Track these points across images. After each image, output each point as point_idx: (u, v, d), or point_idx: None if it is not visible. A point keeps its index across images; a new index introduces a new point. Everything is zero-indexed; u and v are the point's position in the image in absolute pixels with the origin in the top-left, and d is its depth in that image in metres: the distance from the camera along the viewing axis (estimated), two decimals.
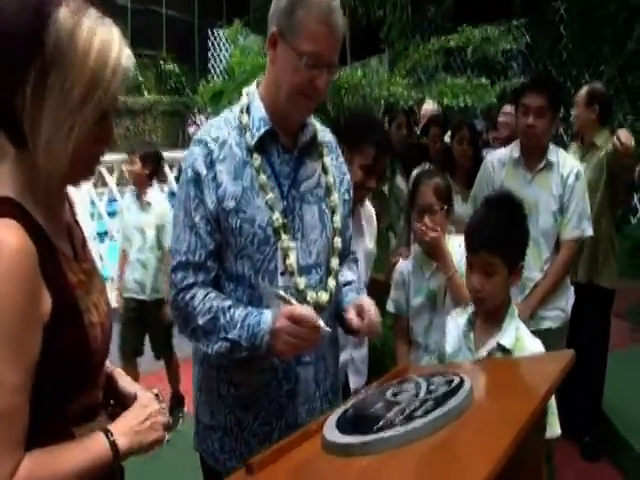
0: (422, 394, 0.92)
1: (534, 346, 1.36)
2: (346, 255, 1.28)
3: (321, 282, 1.15)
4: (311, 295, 1.11)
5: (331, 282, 1.17)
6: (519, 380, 1.05)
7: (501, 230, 1.36)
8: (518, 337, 1.37)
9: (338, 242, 1.18)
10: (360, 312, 1.12)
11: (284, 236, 1.08)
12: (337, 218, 1.17)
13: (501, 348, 1.36)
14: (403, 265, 1.92)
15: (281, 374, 1.13)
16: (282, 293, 1.05)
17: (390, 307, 1.91)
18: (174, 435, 2.14)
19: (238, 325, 1.02)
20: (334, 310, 1.21)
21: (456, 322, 1.46)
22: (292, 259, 1.08)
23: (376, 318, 1.12)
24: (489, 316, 1.40)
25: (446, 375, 0.99)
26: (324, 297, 1.16)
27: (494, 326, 1.39)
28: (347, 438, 0.81)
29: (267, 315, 1.05)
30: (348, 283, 1.28)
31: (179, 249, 1.09)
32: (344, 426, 0.86)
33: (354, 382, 1.79)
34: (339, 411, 0.94)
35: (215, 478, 1.16)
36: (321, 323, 1.00)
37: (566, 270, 2.16)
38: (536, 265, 2.08)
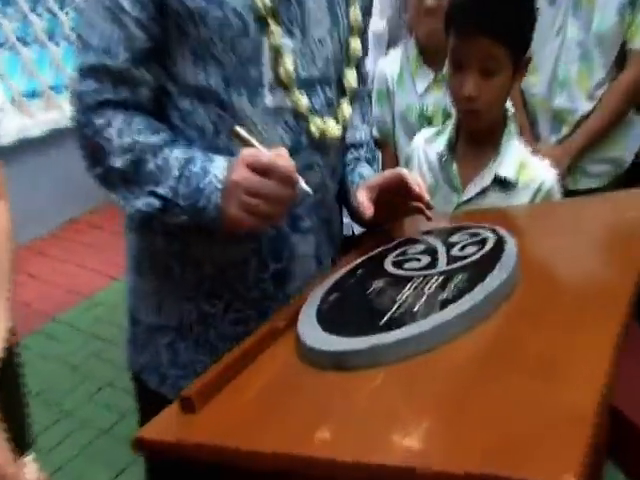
0: (441, 263, 0.63)
1: (546, 175, 1.06)
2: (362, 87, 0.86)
3: (330, 106, 0.76)
4: (315, 123, 0.73)
5: (345, 107, 0.77)
6: (582, 235, 0.69)
7: (505, 4, 0.92)
8: (522, 163, 1.02)
9: (357, 45, 0.78)
10: (375, 191, 0.76)
11: (273, 27, 0.68)
12: (355, 10, 0.76)
13: (500, 182, 1.05)
14: (386, 64, 1.41)
15: (267, 247, 0.76)
16: (242, 131, 0.66)
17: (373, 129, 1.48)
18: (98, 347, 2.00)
19: (174, 173, 0.67)
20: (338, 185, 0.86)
21: (426, 148, 1.13)
22: (288, 65, 0.69)
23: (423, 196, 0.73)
24: (480, 138, 1.04)
25: (469, 229, 0.70)
26: (333, 127, 0.75)
27: (487, 152, 1.05)
28: (338, 341, 0.51)
29: (219, 162, 0.68)
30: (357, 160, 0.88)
31: (90, 43, 0.67)
32: (329, 320, 0.58)
33: None
34: (316, 295, 0.64)
35: (158, 407, 0.69)
36: (300, 179, 0.66)
37: (631, 98, 1.39)
38: (582, 89, 1.39)
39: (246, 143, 0.66)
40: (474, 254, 0.62)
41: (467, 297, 0.52)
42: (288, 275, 0.78)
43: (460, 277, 0.57)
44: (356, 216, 0.81)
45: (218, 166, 0.67)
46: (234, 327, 0.79)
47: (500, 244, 0.62)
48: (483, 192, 1.07)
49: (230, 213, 0.64)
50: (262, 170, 0.63)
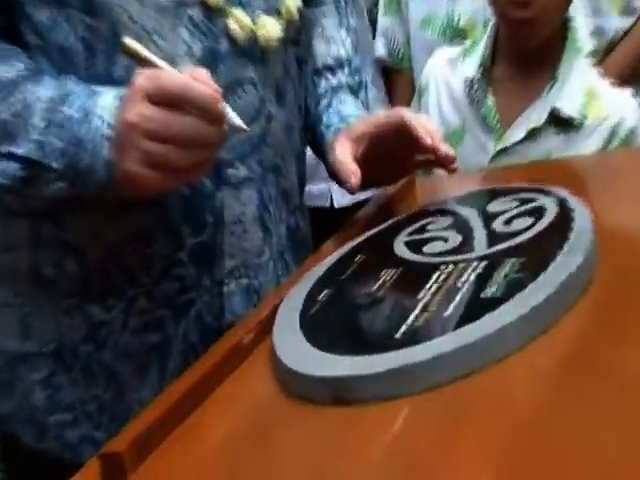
0: (480, 243, 0.54)
1: (626, 110, 0.93)
2: None
3: None
4: (237, 18, 0.62)
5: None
6: None
7: None
8: (591, 93, 0.93)
9: None
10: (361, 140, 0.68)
11: None
12: None
13: (558, 120, 0.95)
14: None
15: (179, 211, 0.64)
16: (136, 44, 0.54)
17: (380, 49, 1.34)
18: None
19: (37, 122, 0.56)
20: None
21: (448, 75, 1.02)
22: None
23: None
24: (530, 59, 0.94)
25: (516, 192, 0.62)
26: (268, 24, 0.63)
27: (539, 78, 0.95)
28: (335, 362, 0.44)
29: (106, 97, 0.56)
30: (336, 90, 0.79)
31: None
32: (320, 331, 0.49)
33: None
34: (298, 294, 0.56)
35: (39, 473, 0.66)
36: (228, 109, 0.55)
37: None
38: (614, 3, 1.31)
39: (143, 61, 0.54)
40: (527, 230, 0.53)
41: (524, 294, 0.43)
42: (215, 251, 0.66)
43: (510, 264, 0.48)
44: (336, 178, 0.69)
45: (105, 103, 0.55)
46: (140, 337, 0.66)
47: (565, 215, 0.53)
48: (533, 135, 0.97)
49: (127, 170, 0.53)
50: (170, 101, 0.52)
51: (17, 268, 0.66)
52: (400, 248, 0.58)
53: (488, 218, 0.58)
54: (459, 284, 0.48)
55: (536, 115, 0.95)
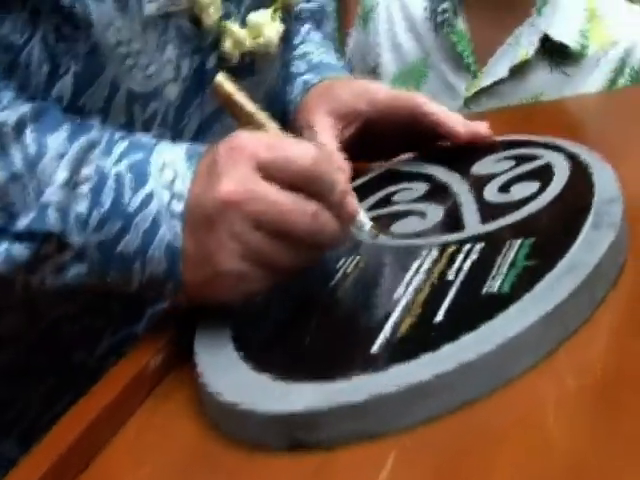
0: (470, 219, 0.52)
1: (635, 31, 0.94)
2: None
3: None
4: (232, 34, 0.63)
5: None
6: None
7: None
8: (593, 14, 0.93)
9: None
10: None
11: None
12: None
13: (551, 49, 0.94)
14: None
15: None
16: (227, 83, 0.54)
17: None
18: None
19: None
20: None
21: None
22: None
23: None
24: None
25: (510, 147, 0.61)
26: (270, 32, 0.65)
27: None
28: (290, 392, 0.41)
29: (177, 152, 0.53)
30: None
31: None
32: (263, 345, 0.47)
33: None
34: None
35: None
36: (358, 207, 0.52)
37: None
38: None
39: (232, 108, 0.52)
40: (533, 198, 0.51)
41: (541, 289, 0.41)
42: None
43: (516, 247, 0.46)
44: None
45: (172, 159, 0.51)
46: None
47: (581, 176, 0.52)
48: (519, 71, 0.95)
49: (219, 267, 0.48)
50: (292, 184, 0.48)
51: None
52: (362, 227, 0.55)
53: (476, 183, 0.56)
54: (449, 276, 0.46)
55: (523, 45, 0.93)
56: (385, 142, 0.68)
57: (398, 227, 0.54)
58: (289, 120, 0.70)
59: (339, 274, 0.51)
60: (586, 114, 0.77)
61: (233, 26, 0.62)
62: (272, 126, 0.52)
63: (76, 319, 0.64)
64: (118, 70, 0.56)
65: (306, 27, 0.77)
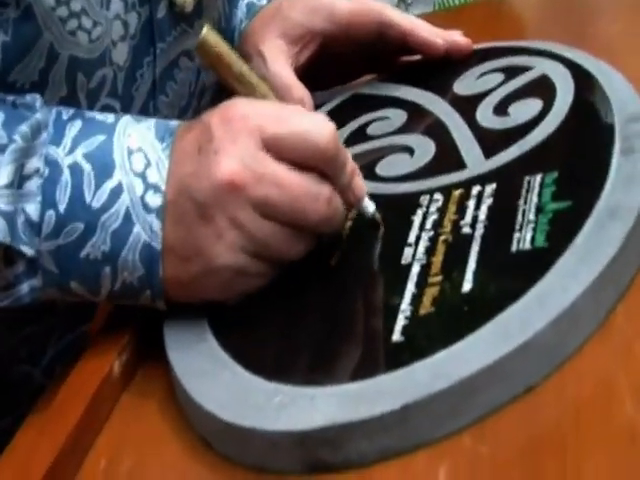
0: (472, 154, 0.45)
1: None
2: None
3: None
4: None
5: None
6: None
7: None
8: None
9: None
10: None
11: None
12: None
13: None
14: None
15: None
16: (213, 36, 0.44)
17: None
18: None
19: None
20: None
21: None
22: None
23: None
24: None
25: (491, 56, 0.54)
26: None
27: None
28: (304, 399, 0.34)
29: (144, 132, 0.44)
30: None
31: None
32: (254, 338, 0.40)
33: None
34: None
35: None
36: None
37: None
38: None
39: (220, 66, 0.43)
40: (541, 120, 0.44)
41: (583, 239, 0.35)
42: None
43: (538, 186, 0.39)
44: None
45: (141, 142, 0.42)
46: None
47: (590, 88, 0.45)
48: None
49: (213, 263, 0.41)
50: (302, 161, 0.41)
51: None
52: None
53: (464, 106, 0.49)
54: (465, 228, 0.39)
55: None
56: (346, 63, 0.60)
57: (383, 168, 0.47)
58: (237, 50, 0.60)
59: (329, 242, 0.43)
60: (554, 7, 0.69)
61: None
62: (268, 91, 0.44)
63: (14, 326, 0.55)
64: (57, 36, 0.46)
65: None
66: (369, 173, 0.47)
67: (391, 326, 0.35)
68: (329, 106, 0.57)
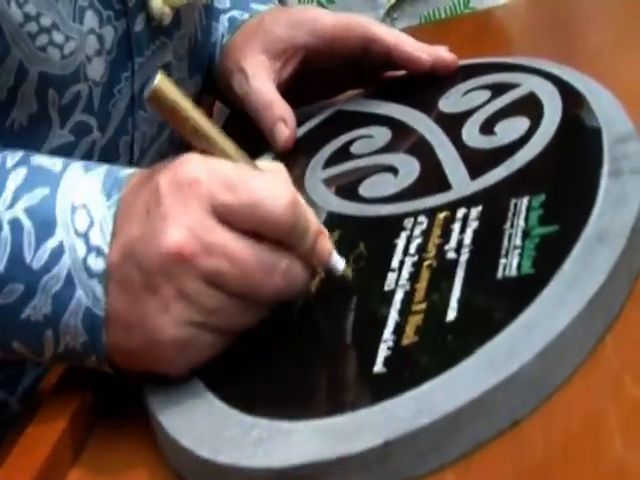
0: (457, 176, 0.44)
1: None
2: None
3: None
4: None
5: None
6: None
7: None
8: None
9: None
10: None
11: None
12: None
13: None
14: None
15: None
16: (167, 85, 0.39)
17: None
18: None
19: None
20: None
21: None
22: None
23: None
24: None
25: (472, 74, 0.53)
26: None
27: None
28: (285, 433, 0.32)
29: (90, 186, 0.40)
30: None
31: None
32: (232, 368, 0.38)
33: None
34: None
35: None
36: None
37: None
38: None
39: (171, 115, 0.38)
40: (528, 139, 0.43)
41: (570, 265, 0.34)
42: None
43: (525, 209, 0.39)
44: (250, 113, 0.59)
45: (86, 197, 0.39)
46: None
47: (577, 106, 0.44)
48: None
49: (155, 335, 0.37)
50: (256, 231, 0.38)
51: None
52: (318, 191, 0.47)
53: (449, 124, 0.48)
54: (450, 253, 0.38)
55: None
56: (330, 78, 0.59)
57: (366, 189, 0.46)
58: (215, 65, 0.59)
59: None
60: (552, 21, 0.68)
61: None
62: (228, 146, 0.40)
63: None
64: (27, 52, 0.44)
65: None
66: (352, 194, 0.46)
67: (373, 357, 0.34)
68: (313, 122, 0.56)
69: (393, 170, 0.46)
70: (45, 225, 0.38)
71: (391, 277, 0.38)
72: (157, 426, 0.36)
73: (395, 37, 0.55)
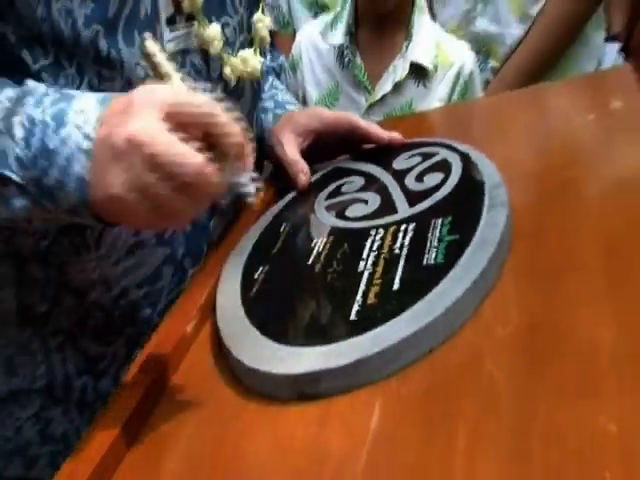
0: (401, 203, 0.42)
1: (464, 57, 0.84)
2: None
3: (242, 32, 0.50)
4: (231, 63, 0.47)
5: (262, 26, 0.51)
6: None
7: None
8: (438, 45, 0.83)
9: None
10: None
11: None
12: None
13: (415, 70, 0.83)
14: None
15: (182, 242, 0.48)
16: (155, 47, 0.35)
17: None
18: None
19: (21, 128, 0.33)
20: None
21: (318, 44, 0.88)
22: None
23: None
24: (387, 20, 0.82)
25: (412, 147, 0.49)
26: (254, 61, 0.48)
27: (396, 37, 0.83)
28: (296, 356, 0.31)
29: (86, 101, 0.34)
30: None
31: None
32: (267, 316, 0.35)
33: None
34: (232, 271, 0.41)
35: None
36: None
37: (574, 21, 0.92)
38: (513, 11, 0.93)
39: (155, 68, 0.35)
40: (441, 186, 0.41)
41: (467, 258, 0.33)
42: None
43: (440, 225, 0.37)
44: (282, 171, 0.55)
45: (84, 107, 0.34)
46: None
47: (470, 166, 0.42)
48: (397, 87, 0.83)
49: (111, 193, 0.32)
50: (191, 123, 0.32)
51: (2, 308, 0.46)
52: (323, 214, 0.45)
53: (398, 175, 0.46)
54: (396, 250, 0.36)
55: (399, 69, 0.84)
56: (330, 148, 0.56)
57: (350, 212, 0.44)
58: (266, 142, 0.57)
59: (314, 254, 0.40)
60: (457, 119, 0.67)
61: (230, 57, 0.48)
62: (180, 83, 0.35)
63: (137, 286, 0.46)
64: None
65: (270, 78, 0.64)
66: (342, 215, 0.44)
67: (350, 310, 0.33)
68: (319, 174, 0.54)
69: (365, 201, 0.45)
70: (60, 122, 0.33)
71: (362, 264, 0.37)
72: (227, 352, 0.35)
73: (369, 125, 0.53)
